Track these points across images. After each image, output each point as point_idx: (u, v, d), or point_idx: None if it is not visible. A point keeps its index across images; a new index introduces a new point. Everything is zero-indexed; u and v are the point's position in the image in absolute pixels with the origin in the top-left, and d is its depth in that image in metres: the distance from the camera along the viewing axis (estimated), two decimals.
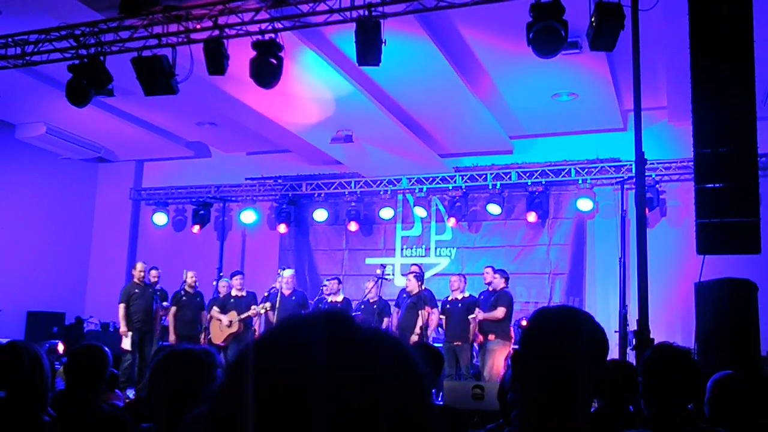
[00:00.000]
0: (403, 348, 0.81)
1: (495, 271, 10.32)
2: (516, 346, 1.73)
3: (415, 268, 11.02)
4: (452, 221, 12.40)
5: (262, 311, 10.82)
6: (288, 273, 11.19)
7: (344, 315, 0.82)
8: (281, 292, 10.91)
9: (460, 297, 10.35)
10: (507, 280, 10.24)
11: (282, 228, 13.30)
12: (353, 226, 12.92)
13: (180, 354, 2.01)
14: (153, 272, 11.25)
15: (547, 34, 6.56)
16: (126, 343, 10.52)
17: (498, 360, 9.72)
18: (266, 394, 0.73)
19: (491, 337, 9.82)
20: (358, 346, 0.78)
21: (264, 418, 0.72)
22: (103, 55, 8.00)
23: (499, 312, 9.82)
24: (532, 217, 11.80)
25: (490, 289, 10.19)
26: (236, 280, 11.32)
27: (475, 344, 10.16)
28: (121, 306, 10.65)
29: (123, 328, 10.60)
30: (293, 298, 10.95)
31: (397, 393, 0.75)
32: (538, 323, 1.66)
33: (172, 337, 11.02)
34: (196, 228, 13.68)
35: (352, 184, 13.01)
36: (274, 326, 0.82)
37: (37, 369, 2.30)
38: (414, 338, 9.87)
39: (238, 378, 0.77)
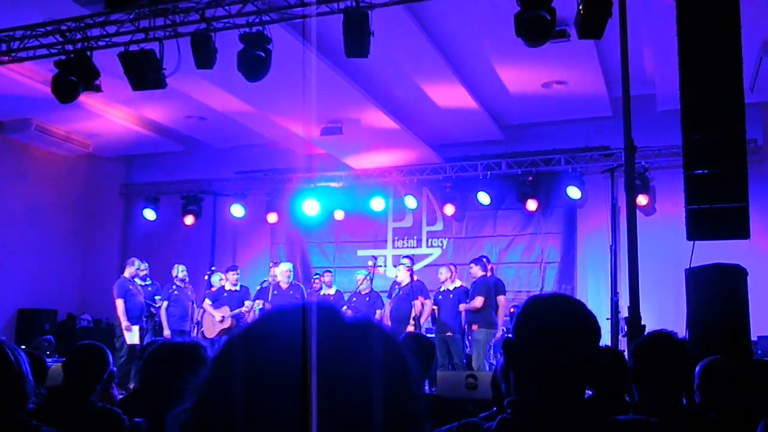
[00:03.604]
0: (389, 336, 0.81)
1: (471, 261, 10.42)
2: (509, 334, 1.74)
3: (406, 260, 11.05)
4: (450, 208, 12.36)
5: (255, 308, 10.82)
6: (285, 267, 11.20)
7: (329, 305, 0.82)
8: (279, 286, 10.93)
9: (451, 288, 10.39)
10: (484, 267, 10.26)
11: (272, 217, 13.27)
12: (339, 215, 12.96)
13: (170, 348, 2.01)
14: (142, 266, 11.25)
15: (535, 23, 6.55)
16: (133, 338, 10.47)
17: (483, 349, 9.78)
18: (252, 385, 0.73)
19: (474, 327, 9.89)
20: (345, 334, 0.78)
21: (251, 409, 0.72)
22: (89, 50, 7.94)
23: (477, 301, 9.88)
24: (532, 205, 11.79)
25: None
26: (231, 275, 11.31)
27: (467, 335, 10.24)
28: (120, 301, 10.61)
29: (125, 323, 10.52)
30: (291, 291, 10.96)
31: (385, 381, 0.76)
32: (530, 310, 1.67)
33: (167, 332, 11.00)
34: (189, 219, 13.65)
35: (343, 176, 13.00)
36: (258, 318, 0.82)
37: (23, 365, 2.29)
38: (410, 328, 9.92)
39: (223, 370, 0.77)
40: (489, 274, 10.42)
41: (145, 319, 11.01)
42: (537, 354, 1.61)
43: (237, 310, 10.90)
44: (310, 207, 13.05)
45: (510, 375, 1.68)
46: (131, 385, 9.83)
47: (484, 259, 10.58)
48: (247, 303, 10.94)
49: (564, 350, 1.60)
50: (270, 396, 0.73)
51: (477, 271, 10.19)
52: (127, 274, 10.96)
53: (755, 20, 7.37)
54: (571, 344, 1.60)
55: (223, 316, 10.93)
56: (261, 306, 10.75)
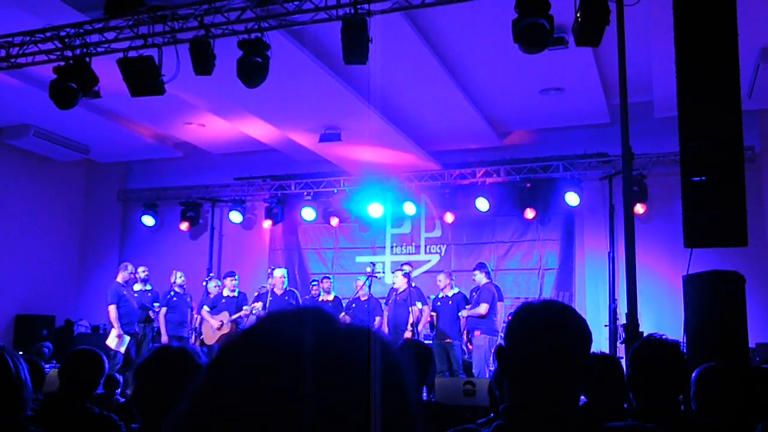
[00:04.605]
0: (385, 344, 0.81)
1: (475, 268, 10.42)
2: (502, 342, 1.77)
3: (406, 267, 11.06)
4: (450, 216, 12.37)
5: (254, 312, 10.80)
6: (280, 272, 11.20)
7: (324, 311, 0.82)
8: (274, 292, 10.92)
9: (450, 294, 10.40)
10: (488, 274, 10.30)
11: (267, 224, 13.31)
12: (334, 221, 13.05)
13: (164, 354, 2.01)
14: (139, 269, 11.22)
15: (533, 30, 6.57)
16: (121, 345, 10.38)
17: (484, 355, 9.80)
18: (247, 391, 0.73)
19: (476, 333, 9.90)
20: (340, 341, 0.78)
21: (246, 416, 0.72)
22: (88, 57, 7.95)
23: (482, 308, 9.89)
24: (530, 214, 11.81)
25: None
26: (229, 281, 11.29)
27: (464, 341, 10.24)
28: (112, 307, 10.55)
29: (119, 330, 10.46)
30: (286, 297, 10.96)
31: (380, 388, 0.76)
32: (521, 318, 1.67)
33: (164, 338, 10.98)
34: (184, 225, 13.66)
35: (341, 183, 13.01)
36: (254, 323, 0.82)
37: (21, 372, 2.29)
38: (407, 334, 9.92)
39: (218, 375, 0.77)
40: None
41: (141, 325, 10.97)
42: (528, 361, 1.61)
43: (237, 315, 10.90)
44: (309, 213, 13.07)
45: (504, 382, 1.68)
46: (128, 392, 9.81)
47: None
48: (246, 308, 10.93)
49: (554, 357, 1.60)
50: (265, 402, 0.73)
51: (482, 278, 10.21)
52: (120, 279, 10.91)
53: (753, 28, 7.39)
54: (561, 351, 1.61)
55: (221, 322, 10.91)
56: (261, 308, 10.74)
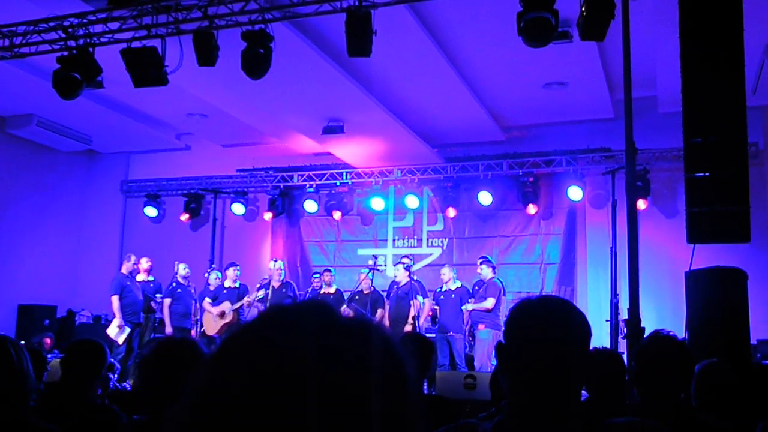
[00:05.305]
0: (386, 336, 0.81)
1: (481, 261, 10.40)
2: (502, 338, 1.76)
3: (406, 260, 11.06)
4: (452, 211, 12.37)
5: (257, 297, 10.80)
6: (278, 265, 11.20)
7: (325, 304, 0.82)
8: (271, 284, 10.93)
9: (453, 288, 10.40)
10: (494, 268, 10.30)
11: (269, 216, 13.31)
12: (337, 213, 13.02)
13: (167, 346, 2.01)
14: (142, 260, 11.23)
15: (537, 24, 6.55)
16: (120, 337, 10.41)
17: (488, 349, 9.80)
18: (248, 385, 0.73)
19: (480, 326, 9.90)
20: (341, 333, 0.78)
21: (246, 410, 0.72)
22: (92, 47, 7.95)
23: (488, 303, 9.90)
24: (532, 208, 11.80)
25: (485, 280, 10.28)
26: (231, 272, 11.29)
27: (466, 335, 10.24)
28: (115, 298, 10.57)
29: (120, 320, 10.48)
30: (284, 290, 10.97)
31: (381, 381, 0.75)
32: (519, 314, 1.66)
33: (168, 329, 10.98)
34: (185, 216, 13.66)
35: (344, 175, 13.00)
36: (256, 317, 0.82)
37: (24, 363, 2.29)
38: (408, 328, 9.93)
39: (219, 370, 0.77)
40: None
41: (143, 315, 10.97)
42: (527, 357, 1.60)
43: (239, 304, 10.90)
44: (311, 205, 13.07)
45: (504, 378, 1.68)
46: (129, 382, 9.83)
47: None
48: (247, 297, 10.93)
49: (554, 353, 1.59)
50: (266, 395, 0.72)
51: (488, 272, 10.19)
52: (124, 270, 10.93)
53: (758, 24, 7.36)
54: (561, 347, 1.60)
55: (223, 311, 10.91)
56: (263, 294, 10.74)
